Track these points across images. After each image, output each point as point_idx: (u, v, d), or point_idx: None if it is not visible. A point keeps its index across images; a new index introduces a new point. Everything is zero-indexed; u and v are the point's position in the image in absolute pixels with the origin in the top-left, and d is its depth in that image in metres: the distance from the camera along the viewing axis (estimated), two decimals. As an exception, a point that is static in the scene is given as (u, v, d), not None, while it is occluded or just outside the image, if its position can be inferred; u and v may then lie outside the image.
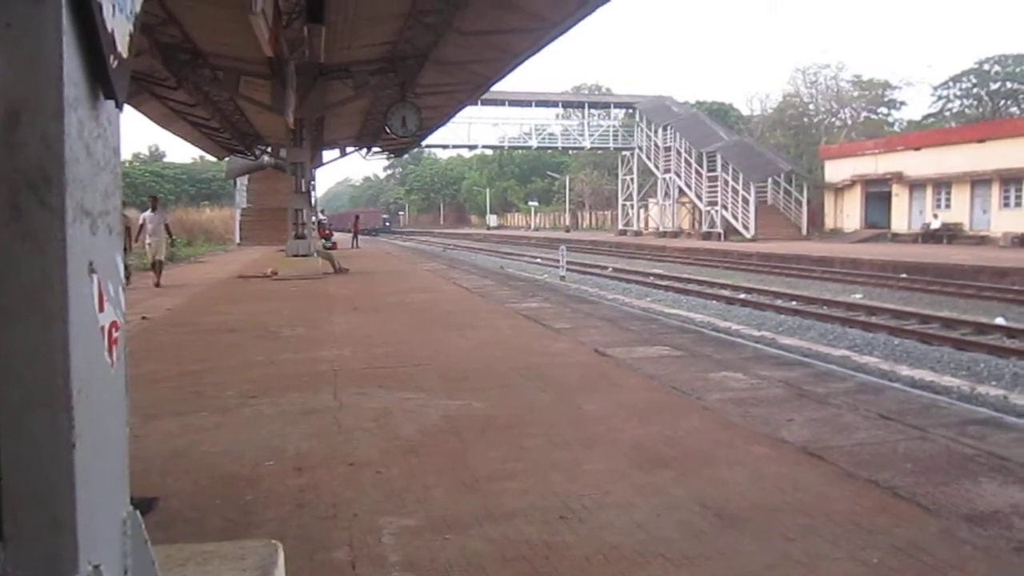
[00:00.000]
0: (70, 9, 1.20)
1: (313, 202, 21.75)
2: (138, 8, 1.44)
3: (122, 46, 1.36)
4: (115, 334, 1.41)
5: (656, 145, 50.30)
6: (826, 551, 2.85)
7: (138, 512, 1.55)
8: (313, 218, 21.55)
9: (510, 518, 3.20)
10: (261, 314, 10.63)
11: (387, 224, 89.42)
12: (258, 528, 3.14)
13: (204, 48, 14.81)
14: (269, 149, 30.16)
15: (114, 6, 1.31)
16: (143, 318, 10.30)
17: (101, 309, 1.35)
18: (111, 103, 1.38)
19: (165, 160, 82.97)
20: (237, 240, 40.92)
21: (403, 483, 3.65)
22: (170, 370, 6.64)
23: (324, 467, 3.93)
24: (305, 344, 7.96)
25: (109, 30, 1.29)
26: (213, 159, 40.66)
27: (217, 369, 6.67)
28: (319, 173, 34.75)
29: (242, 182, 42.36)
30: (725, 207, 42.79)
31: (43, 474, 1.22)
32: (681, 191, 48.54)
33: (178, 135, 25.22)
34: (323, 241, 28.80)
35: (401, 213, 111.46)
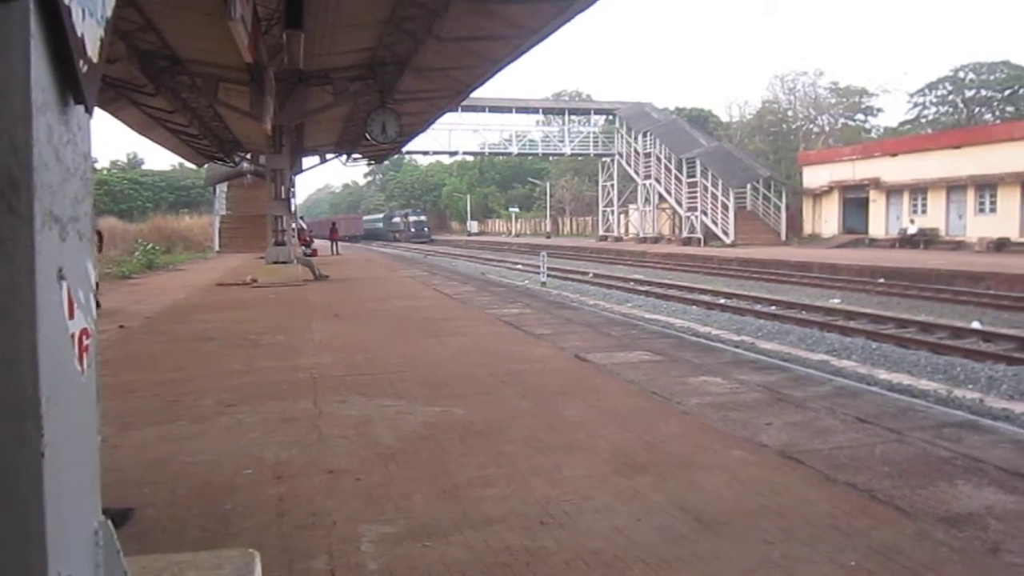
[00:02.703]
0: (38, 13, 1.19)
1: (293, 209, 21.68)
2: (109, 13, 1.42)
3: (92, 51, 1.34)
4: (86, 341, 1.39)
5: (636, 151, 50.50)
6: (804, 554, 2.87)
7: (110, 522, 1.53)
8: (293, 225, 21.48)
9: (490, 524, 3.19)
10: (240, 322, 10.56)
11: (425, 229, 73.93)
12: (236, 537, 3.11)
13: (182, 54, 14.72)
14: (248, 156, 30.04)
15: (84, 11, 1.30)
16: (120, 327, 10.20)
17: (71, 316, 1.33)
18: (81, 108, 1.36)
19: (143, 167, 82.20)
20: (216, 247, 40.65)
21: (383, 490, 3.63)
22: (148, 379, 6.57)
23: (303, 475, 3.90)
24: (285, 352, 7.91)
25: (79, 34, 1.28)
26: (192, 166, 40.36)
27: (195, 378, 6.62)
28: (299, 180, 34.59)
29: (221, 189, 42.11)
30: (705, 213, 43.01)
31: (12, 483, 1.21)
32: (661, 197, 48.70)
33: (156, 142, 25.02)
34: (303, 248, 28.66)
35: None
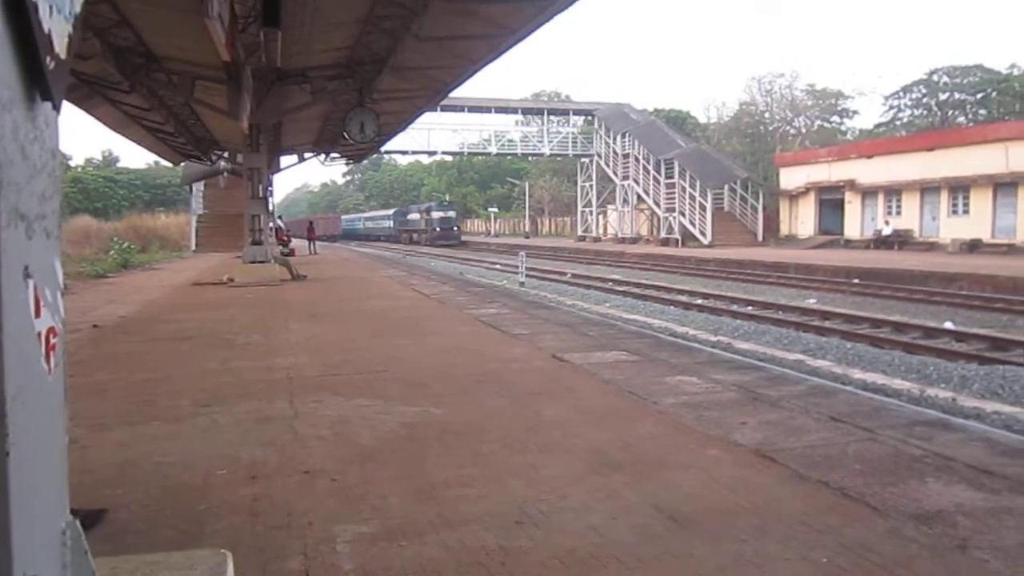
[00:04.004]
0: (3, 9, 1.18)
1: (271, 208, 21.55)
2: (78, 9, 1.41)
3: (60, 47, 1.33)
4: (53, 340, 1.38)
5: (615, 152, 50.70)
6: (777, 552, 2.89)
7: (78, 522, 1.52)
8: (270, 224, 21.36)
9: (466, 524, 3.19)
10: (216, 321, 10.48)
11: (455, 228, 61.22)
12: (210, 538, 3.09)
13: (158, 52, 14.60)
14: (226, 154, 29.83)
15: (51, 7, 1.29)
16: (94, 326, 10.09)
17: (38, 315, 1.32)
18: (48, 105, 1.35)
19: (119, 165, 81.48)
20: (193, 247, 40.32)
21: (359, 491, 3.62)
22: (121, 379, 6.51)
23: (279, 475, 3.88)
24: (261, 352, 7.86)
25: (46, 31, 1.27)
26: (168, 164, 40.06)
27: (170, 378, 6.56)
28: (277, 179, 34.42)
29: (198, 188, 41.79)
30: (683, 213, 43.25)
31: (-24, 483, 1.19)
32: (639, 198, 48.94)
33: (132, 140, 24.81)
34: (281, 247, 28.51)
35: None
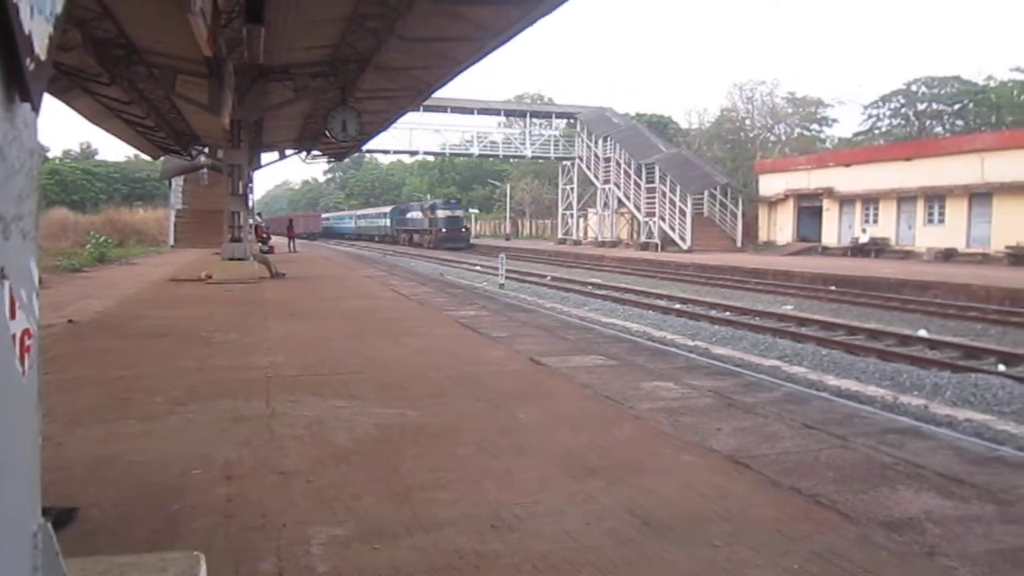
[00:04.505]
0: (-17, 11, 1.17)
1: (250, 205, 21.40)
2: (59, 9, 1.41)
3: (40, 48, 1.33)
4: (27, 342, 1.37)
5: (596, 156, 50.85)
6: (749, 558, 2.92)
7: (50, 524, 1.51)
8: (250, 221, 21.22)
9: (441, 527, 3.20)
10: (193, 319, 10.41)
11: (463, 229, 54.07)
12: (184, 539, 3.07)
13: (140, 44, 14.46)
14: (206, 150, 29.60)
15: (32, 7, 1.28)
16: (70, 321, 9.99)
17: (12, 316, 1.32)
18: (27, 106, 1.35)
19: (97, 158, 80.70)
20: (171, 242, 39.99)
21: (334, 492, 3.62)
22: (96, 376, 6.45)
23: (254, 476, 3.86)
24: (238, 350, 7.82)
25: (26, 32, 1.26)
26: (148, 158, 39.65)
27: (146, 375, 6.51)
28: (257, 175, 34.19)
29: (177, 183, 41.42)
30: (663, 218, 43.46)
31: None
32: (620, 202, 49.13)
33: (111, 133, 24.53)
34: (260, 245, 28.34)
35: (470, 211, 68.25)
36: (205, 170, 34.50)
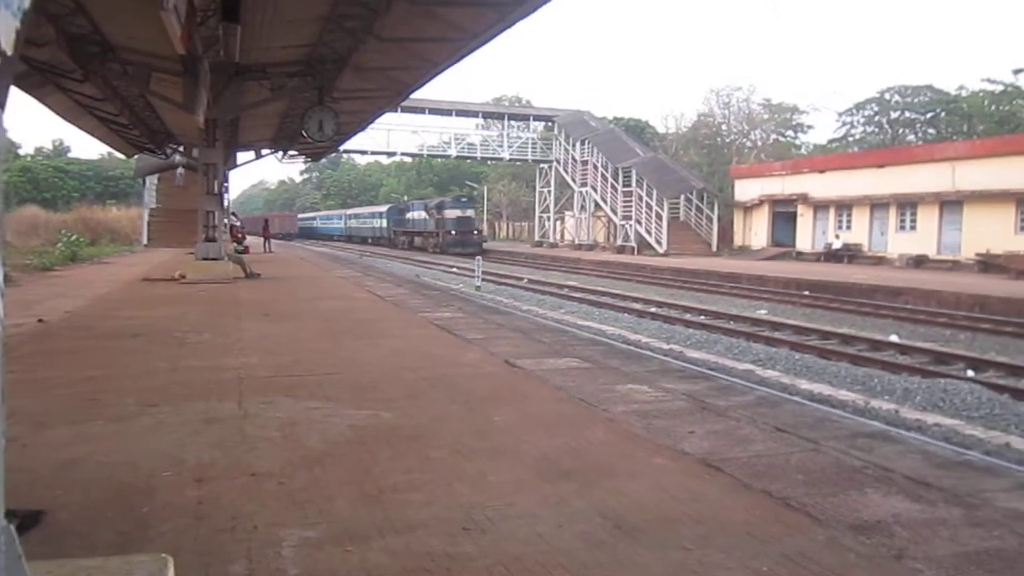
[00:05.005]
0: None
1: (226, 204, 21.23)
2: (27, 4, 1.39)
3: (7, 44, 1.31)
4: (-8, 340, 1.36)
5: (574, 159, 50.99)
6: (719, 560, 2.94)
7: (15, 527, 1.49)
8: (225, 221, 21.04)
9: (413, 530, 3.19)
10: (166, 319, 10.30)
11: (475, 233, 46.99)
12: (152, 542, 3.04)
13: (114, 41, 14.31)
14: (181, 148, 29.33)
15: (-1, 2, 1.27)
16: (39, 320, 9.84)
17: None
18: (-8, 104, 1.33)
19: (70, 155, 79.55)
20: (145, 241, 39.60)
21: (306, 494, 3.60)
22: (66, 376, 6.37)
23: (225, 478, 3.83)
24: (211, 351, 7.75)
25: (-8, 28, 1.25)
26: (122, 156, 39.24)
27: (116, 376, 6.44)
28: (233, 175, 33.92)
29: (151, 181, 41.01)
30: (639, 222, 43.67)
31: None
32: (597, 205, 49.30)
33: (85, 130, 24.26)
34: (235, 244, 28.12)
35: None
36: (181, 170, 34.18)
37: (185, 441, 4.44)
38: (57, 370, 6.62)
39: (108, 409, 5.21)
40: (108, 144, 30.09)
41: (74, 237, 27.09)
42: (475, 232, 47.10)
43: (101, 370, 6.68)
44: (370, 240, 62.14)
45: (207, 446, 4.34)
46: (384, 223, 58.95)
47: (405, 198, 75.45)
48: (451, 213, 46.74)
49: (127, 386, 5.95)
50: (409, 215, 53.82)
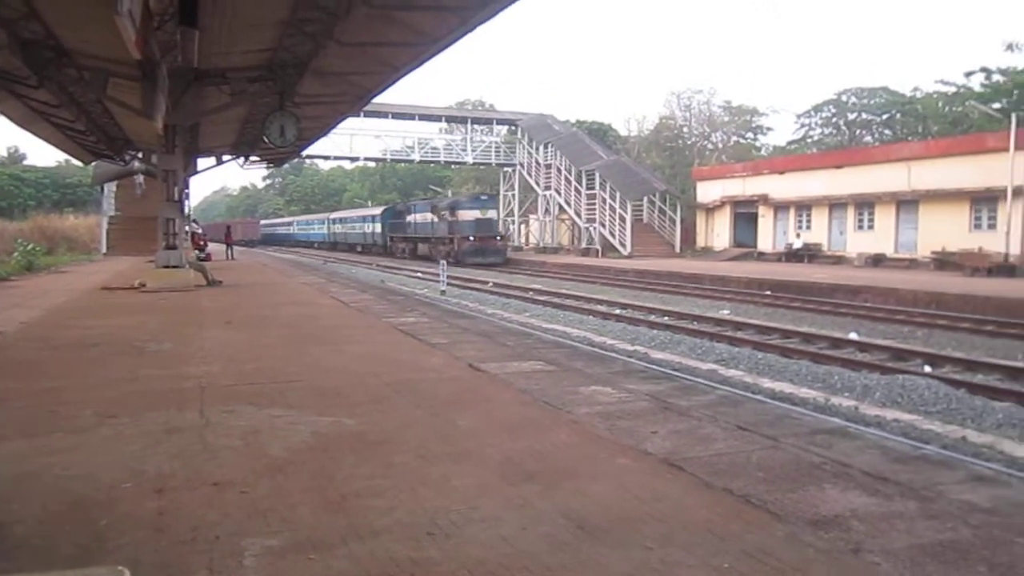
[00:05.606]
0: None
1: (187, 211, 20.98)
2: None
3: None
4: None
5: (537, 162, 51.10)
6: (681, 558, 2.98)
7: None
8: (186, 228, 20.80)
9: (376, 536, 3.18)
10: (126, 328, 10.15)
11: (498, 238, 40.05)
12: (111, 554, 3.00)
13: (69, 46, 14.06)
14: (140, 155, 28.88)
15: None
16: (-7, 332, 9.66)
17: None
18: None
19: (26, 163, 78.05)
20: (103, 249, 38.98)
21: (268, 503, 3.57)
22: (22, 388, 6.24)
23: (186, 488, 3.79)
24: (172, 360, 7.66)
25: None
26: (79, 163, 38.58)
27: (74, 387, 6.33)
28: (194, 181, 33.49)
29: (110, 188, 40.40)
30: (603, 224, 43.88)
31: None
32: (561, 208, 49.44)
33: (40, 137, 23.79)
34: (196, 252, 27.81)
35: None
36: (141, 178, 33.66)
37: (145, 452, 4.39)
38: (13, 382, 6.49)
39: (66, 421, 5.12)
40: (64, 151, 29.54)
41: (30, 246, 26.62)
42: (498, 237, 39.82)
43: (59, 381, 6.56)
44: (359, 248, 56.43)
45: (168, 456, 4.30)
46: (378, 228, 52.22)
47: (369, 203, 73.90)
48: (467, 214, 39.08)
49: (85, 397, 5.86)
50: (411, 218, 46.39)
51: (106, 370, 7.10)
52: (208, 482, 3.87)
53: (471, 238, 38.09)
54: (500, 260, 36.36)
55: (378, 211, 54.34)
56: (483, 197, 43.28)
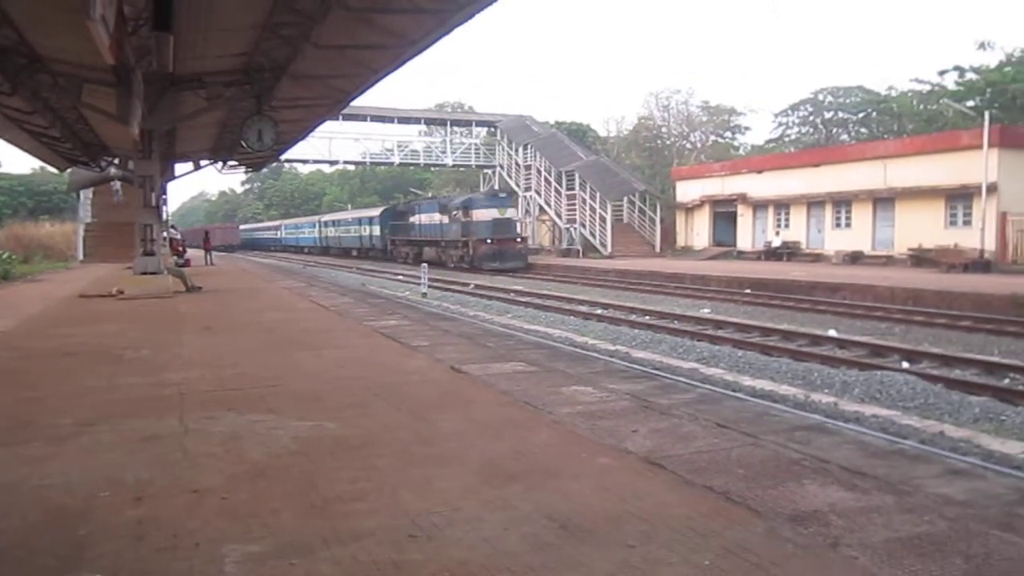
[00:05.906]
0: None
1: (165, 217, 20.82)
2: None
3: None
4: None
5: (517, 163, 51.16)
6: (662, 556, 3.00)
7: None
8: (164, 234, 20.64)
9: (358, 539, 3.18)
10: (103, 336, 10.06)
11: (518, 239, 36.56)
12: (91, 564, 2.98)
13: (43, 52, 13.92)
14: (116, 161, 28.63)
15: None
16: (-32, 341, 9.54)
17: None
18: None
19: (0, 171, 77.07)
20: (80, 257, 38.57)
21: (249, 509, 3.56)
22: (-2, 397, 6.19)
23: (166, 496, 3.77)
24: (150, 367, 7.60)
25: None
26: (54, 170, 38.15)
27: (52, 396, 6.27)
28: (172, 187, 33.23)
29: (86, 195, 39.93)
30: (583, 225, 44.00)
31: None
32: (541, 209, 49.52)
33: (14, 144, 23.52)
34: (175, 258, 27.58)
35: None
36: (119, 184, 33.34)
37: (124, 460, 4.36)
38: (-11, 392, 6.43)
39: (44, 430, 5.08)
40: (39, 158, 29.24)
41: (5, 255, 26.33)
42: (518, 239, 36.12)
43: (36, 390, 6.50)
44: (355, 253, 52.98)
45: (147, 464, 4.27)
46: (376, 231, 48.17)
47: (349, 206, 72.64)
48: (484, 214, 35.21)
49: (63, 406, 5.81)
50: (415, 219, 41.97)
51: (84, 378, 7.03)
52: (188, 489, 3.84)
53: (488, 240, 34.55)
54: (522, 264, 33.89)
55: (376, 212, 50.66)
56: (501, 195, 39.49)
